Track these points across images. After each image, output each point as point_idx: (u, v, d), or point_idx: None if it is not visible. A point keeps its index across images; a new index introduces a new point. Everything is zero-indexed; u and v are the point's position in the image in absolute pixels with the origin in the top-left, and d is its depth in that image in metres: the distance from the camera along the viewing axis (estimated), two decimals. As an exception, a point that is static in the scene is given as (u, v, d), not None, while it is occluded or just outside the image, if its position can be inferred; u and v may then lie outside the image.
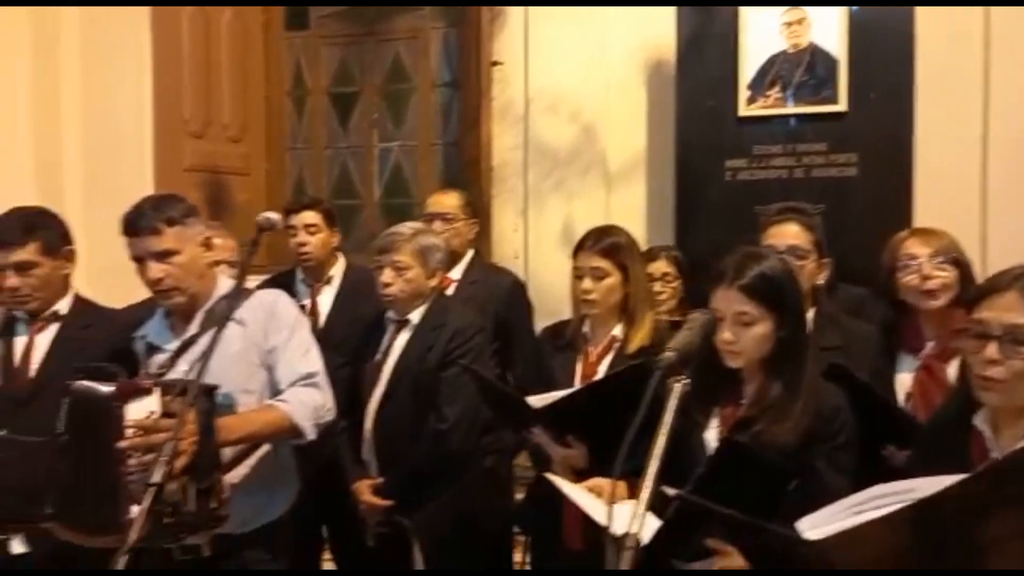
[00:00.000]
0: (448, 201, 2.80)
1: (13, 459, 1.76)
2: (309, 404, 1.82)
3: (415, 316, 2.29)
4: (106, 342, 2.01)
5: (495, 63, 4.60)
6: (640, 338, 2.03)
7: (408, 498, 2.18)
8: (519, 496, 2.68)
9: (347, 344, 2.42)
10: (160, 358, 1.82)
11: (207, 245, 1.85)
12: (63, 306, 2.04)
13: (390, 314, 2.32)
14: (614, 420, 1.83)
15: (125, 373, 1.74)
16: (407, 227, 2.31)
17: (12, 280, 1.92)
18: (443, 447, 2.19)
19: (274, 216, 1.66)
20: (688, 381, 1.10)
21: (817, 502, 1.37)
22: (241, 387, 1.80)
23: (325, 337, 2.28)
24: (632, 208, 4.40)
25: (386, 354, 2.28)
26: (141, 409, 1.57)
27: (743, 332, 1.49)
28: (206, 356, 1.46)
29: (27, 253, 1.92)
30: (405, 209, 5.42)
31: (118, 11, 4.84)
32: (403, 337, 2.28)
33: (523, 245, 4.65)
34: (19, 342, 1.99)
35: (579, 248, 2.05)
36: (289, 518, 1.94)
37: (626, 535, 0.91)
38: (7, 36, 4.57)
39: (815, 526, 1.19)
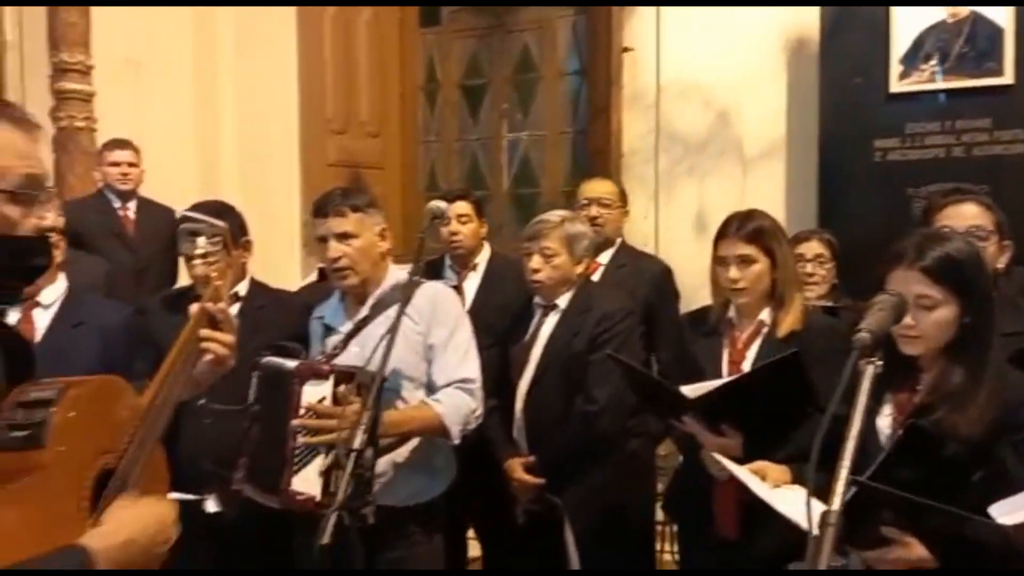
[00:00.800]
0: (603, 187, 2.86)
1: (210, 426, 1.94)
2: (462, 409, 1.92)
3: (562, 301, 2.33)
4: (279, 321, 2.20)
5: (626, 49, 4.57)
6: (790, 322, 1.99)
7: (558, 478, 2.23)
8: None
9: (493, 327, 2.50)
10: (334, 339, 1.96)
11: (383, 236, 1.98)
12: (242, 289, 2.23)
13: (537, 299, 2.38)
14: (770, 408, 1.83)
15: (305, 352, 1.89)
16: (555, 215, 2.36)
17: (199, 268, 2.11)
18: (593, 429, 2.22)
19: (443, 204, 1.75)
20: (881, 364, 1.07)
21: (1003, 495, 1.30)
22: (405, 374, 1.91)
23: (471, 321, 2.35)
24: (770, 193, 4.26)
25: (534, 337, 2.34)
26: (315, 392, 1.70)
27: (924, 316, 1.43)
28: (387, 350, 1.54)
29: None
30: (533, 199, 5.50)
31: (267, 15, 5.15)
32: (551, 321, 2.33)
33: (653, 232, 4.61)
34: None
35: (721, 235, 2.01)
36: (444, 498, 2.04)
37: (827, 512, 0.91)
38: (171, 42, 4.92)
39: (1009, 512, 1.14)
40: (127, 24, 4.75)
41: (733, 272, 1.96)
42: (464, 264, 2.80)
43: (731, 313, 2.10)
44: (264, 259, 3.43)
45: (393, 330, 1.57)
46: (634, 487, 2.45)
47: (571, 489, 2.25)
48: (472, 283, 2.78)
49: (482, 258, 2.81)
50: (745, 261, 1.96)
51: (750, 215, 2.04)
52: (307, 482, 1.73)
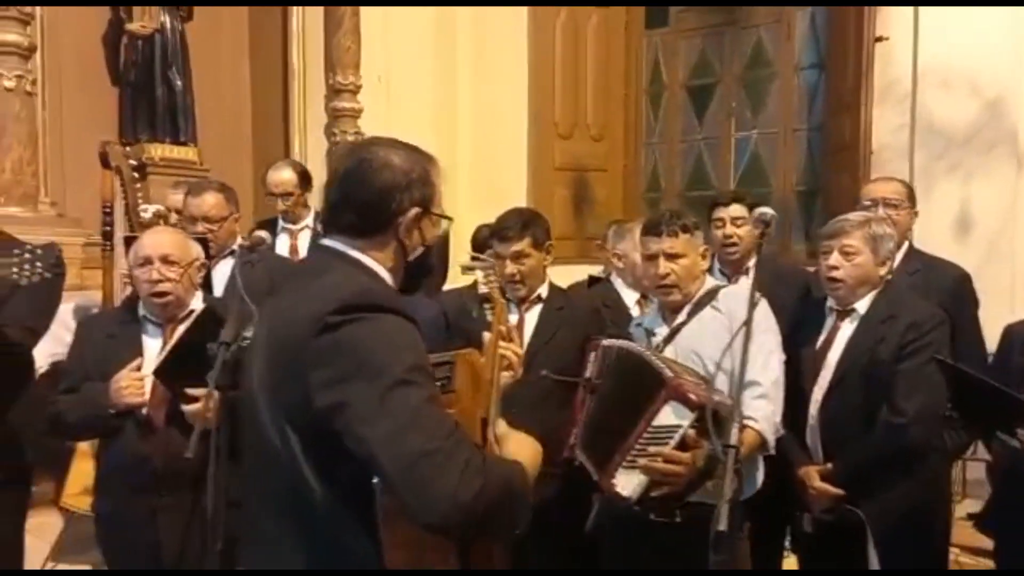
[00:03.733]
0: (890, 187, 2.71)
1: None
2: (771, 419, 1.93)
3: (861, 306, 2.24)
4: (574, 320, 2.33)
5: (879, 39, 4.31)
6: None
7: (859, 489, 2.15)
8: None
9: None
10: (655, 340, 2.05)
11: (704, 255, 2.04)
12: (543, 290, 2.37)
13: (831, 303, 2.31)
14: None
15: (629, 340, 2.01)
16: (858, 214, 2.28)
17: (509, 268, 2.28)
18: (898, 441, 2.12)
19: (770, 212, 1.74)
20: None
21: None
22: (714, 360, 1.93)
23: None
24: (1053, 190, 3.85)
25: (829, 343, 2.27)
26: (672, 417, 1.74)
27: None
28: (740, 380, 1.56)
29: (523, 245, 2.27)
30: (763, 198, 5.31)
31: (501, 24, 5.39)
32: (848, 327, 2.25)
33: (907, 233, 4.30)
34: (512, 319, 2.36)
35: None
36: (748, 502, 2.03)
37: None
38: (415, 56, 5.26)
39: None
40: (378, 44, 5.18)
41: None
42: (736, 268, 2.77)
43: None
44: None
45: (747, 336, 1.59)
46: (934, 504, 2.30)
47: (870, 501, 2.16)
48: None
49: (753, 262, 2.76)
50: None
51: None
52: (629, 484, 1.79)
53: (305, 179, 3.21)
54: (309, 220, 3.17)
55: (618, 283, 2.83)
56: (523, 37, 5.47)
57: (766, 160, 5.32)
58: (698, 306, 2.01)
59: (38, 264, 1.86)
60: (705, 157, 5.61)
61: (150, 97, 4.07)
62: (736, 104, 5.39)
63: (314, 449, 1.08)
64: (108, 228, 2.76)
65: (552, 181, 5.64)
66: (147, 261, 1.94)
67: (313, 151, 4.66)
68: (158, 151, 4.00)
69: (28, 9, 3.31)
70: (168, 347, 1.89)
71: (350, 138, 4.57)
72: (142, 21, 4.03)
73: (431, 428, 1.03)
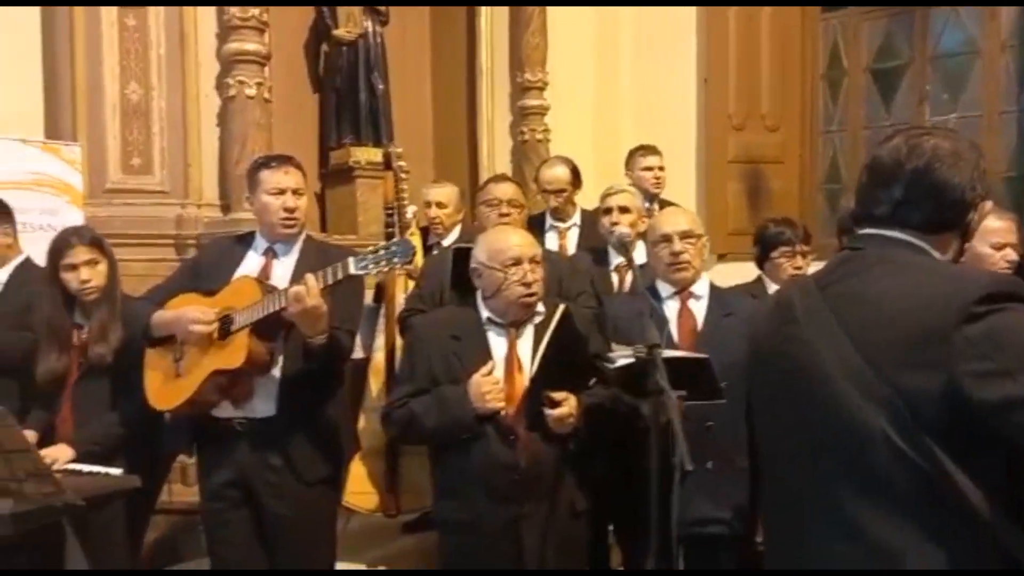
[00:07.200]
0: None
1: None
2: None
3: None
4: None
5: (1124, 7, 3.94)
6: None
7: None
8: None
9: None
10: None
11: None
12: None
13: None
14: None
15: None
16: None
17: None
18: None
19: None
20: None
21: None
22: None
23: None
24: None
25: None
26: None
27: None
28: None
29: None
30: (964, 187, 4.99)
31: (667, 19, 5.24)
32: None
33: None
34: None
35: None
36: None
37: None
38: (577, 52, 5.11)
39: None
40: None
41: None
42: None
43: None
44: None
45: None
46: None
47: None
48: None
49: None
50: None
51: None
52: None
53: (577, 176, 3.13)
54: (577, 218, 3.09)
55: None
56: (691, 28, 5.29)
57: (969, 145, 4.96)
58: None
59: (395, 260, 1.82)
60: (893, 145, 5.29)
61: (354, 101, 4.08)
62: (931, 87, 5.05)
63: (957, 442, 1.02)
64: (390, 230, 2.74)
65: (725, 175, 5.43)
66: (517, 262, 1.87)
67: (500, 150, 4.60)
68: (364, 154, 4.00)
69: (265, 18, 3.34)
70: (539, 353, 1.82)
71: (539, 137, 4.49)
72: (347, 27, 4.06)
73: None
